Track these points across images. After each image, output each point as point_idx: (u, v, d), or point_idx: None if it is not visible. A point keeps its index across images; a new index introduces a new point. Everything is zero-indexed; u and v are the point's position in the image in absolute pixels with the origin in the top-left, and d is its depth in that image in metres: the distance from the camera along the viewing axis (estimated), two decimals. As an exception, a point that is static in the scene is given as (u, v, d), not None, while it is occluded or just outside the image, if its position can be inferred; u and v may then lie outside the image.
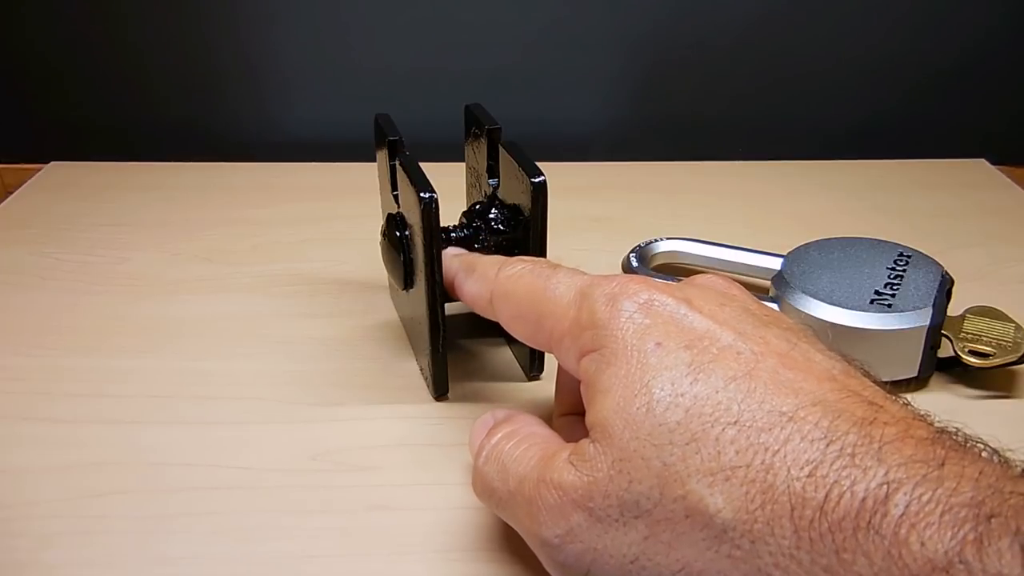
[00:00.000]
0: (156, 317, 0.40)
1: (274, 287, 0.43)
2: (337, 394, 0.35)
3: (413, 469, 0.31)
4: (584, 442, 0.22)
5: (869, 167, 0.57)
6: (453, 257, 0.31)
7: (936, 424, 0.20)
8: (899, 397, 0.21)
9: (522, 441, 0.24)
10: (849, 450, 0.18)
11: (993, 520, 0.16)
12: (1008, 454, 0.19)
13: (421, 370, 0.36)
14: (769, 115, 0.61)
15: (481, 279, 0.29)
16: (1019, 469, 0.18)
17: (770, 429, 0.19)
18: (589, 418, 0.22)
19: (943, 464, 0.18)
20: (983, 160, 0.57)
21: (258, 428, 0.33)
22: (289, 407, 0.34)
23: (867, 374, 0.22)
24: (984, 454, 0.18)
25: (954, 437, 0.19)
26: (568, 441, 0.24)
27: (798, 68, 0.59)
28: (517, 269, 0.27)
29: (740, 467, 0.19)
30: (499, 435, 0.25)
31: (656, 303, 0.23)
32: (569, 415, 0.28)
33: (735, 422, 0.20)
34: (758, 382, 0.20)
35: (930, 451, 0.18)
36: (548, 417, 0.28)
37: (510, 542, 0.28)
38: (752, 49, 0.58)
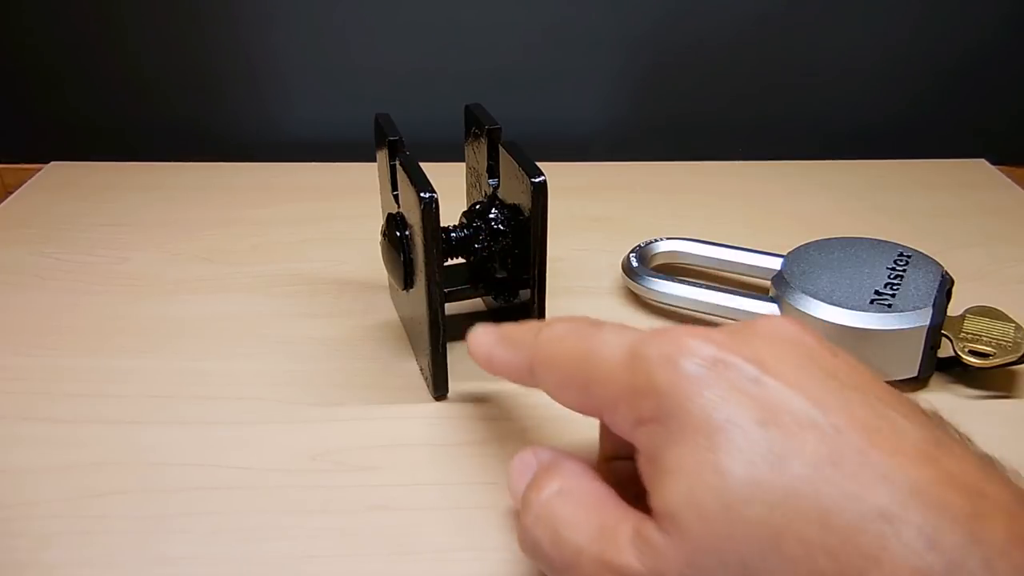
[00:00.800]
0: (156, 317, 0.40)
1: (274, 287, 0.43)
2: (337, 394, 0.35)
3: (413, 469, 0.31)
4: (650, 527, 0.20)
5: (869, 167, 0.57)
6: (483, 333, 0.27)
7: None
8: (993, 465, 0.19)
9: (579, 504, 0.22)
10: (958, 558, 0.16)
11: None
12: None
13: (421, 370, 0.36)
14: (769, 115, 0.61)
15: (519, 347, 0.26)
16: None
17: (865, 531, 0.17)
18: (655, 502, 0.20)
19: None
20: (983, 160, 0.57)
21: (258, 428, 0.33)
22: (289, 407, 0.34)
23: (957, 438, 0.20)
24: None
25: None
26: (618, 488, 0.22)
27: (798, 68, 0.59)
28: (558, 331, 0.24)
29: (832, 574, 0.17)
30: (548, 491, 0.23)
31: (724, 366, 0.20)
32: (616, 459, 0.25)
33: (823, 521, 0.17)
34: (846, 469, 0.18)
35: None
36: (588, 452, 0.27)
37: (510, 542, 0.28)
38: (752, 49, 0.58)
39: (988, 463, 0.19)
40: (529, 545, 0.23)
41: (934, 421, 0.20)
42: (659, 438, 0.20)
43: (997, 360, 0.33)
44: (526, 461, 0.25)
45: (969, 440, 0.20)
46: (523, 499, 0.23)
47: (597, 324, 0.24)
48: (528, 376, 0.25)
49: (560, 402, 0.24)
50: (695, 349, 0.20)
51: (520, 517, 0.23)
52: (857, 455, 0.18)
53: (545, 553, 0.22)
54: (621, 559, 0.20)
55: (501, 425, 0.33)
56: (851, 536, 0.17)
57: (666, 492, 0.19)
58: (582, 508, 0.22)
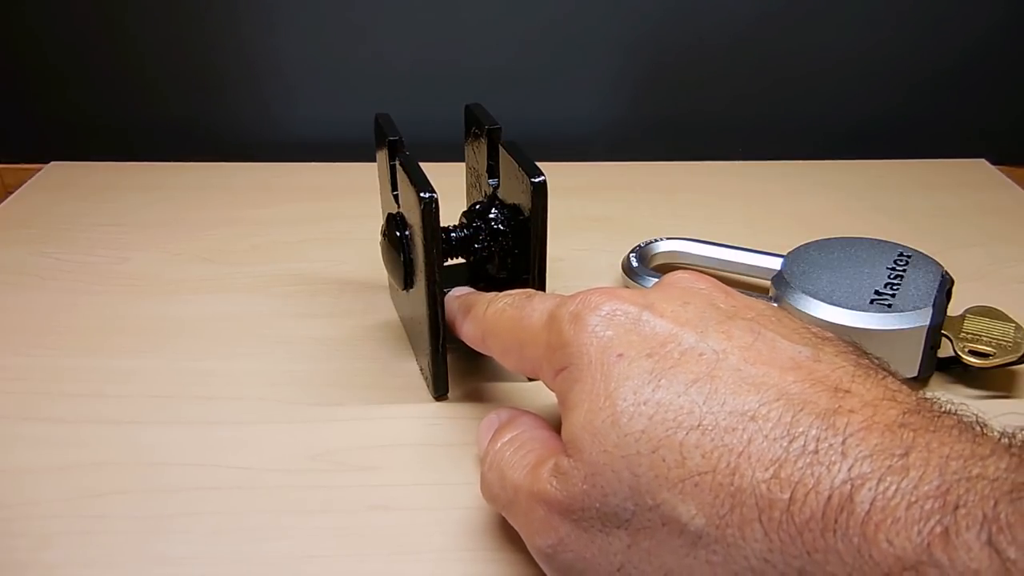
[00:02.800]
0: (156, 317, 0.40)
1: (274, 287, 0.43)
2: (337, 394, 0.35)
3: (413, 469, 0.31)
4: (562, 457, 0.22)
5: (869, 167, 0.57)
6: (455, 299, 0.32)
7: (909, 400, 0.19)
8: (875, 371, 0.21)
9: (521, 447, 0.25)
10: (812, 446, 0.18)
11: (960, 510, 0.16)
12: (984, 423, 0.18)
13: (421, 370, 0.36)
14: (769, 115, 0.61)
15: (474, 320, 0.30)
16: (989, 446, 0.17)
17: (733, 430, 0.19)
18: (563, 435, 0.23)
19: (908, 451, 0.17)
20: (983, 160, 0.57)
21: (258, 428, 0.33)
22: (289, 407, 0.34)
23: (843, 350, 0.22)
24: (955, 431, 0.18)
25: (926, 414, 0.19)
26: None
27: (798, 68, 0.59)
28: (500, 304, 0.28)
29: (707, 472, 0.19)
30: (502, 440, 0.25)
31: (618, 313, 0.23)
32: None
33: (698, 426, 0.20)
34: (720, 382, 0.20)
35: (896, 437, 0.18)
36: (554, 416, 0.28)
37: (510, 542, 0.28)
38: (752, 49, 0.58)
39: (866, 365, 0.21)
40: (485, 489, 0.26)
41: (819, 337, 0.22)
42: (567, 383, 0.23)
43: (997, 360, 0.33)
44: (490, 421, 0.28)
45: (892, 372, 0.21)
46: (484, 452, 0.26)
47: (531, 295, 0.27)
48: (483, 345, 0.30)
49: (507, 367, 0.29)
50: (596, 304, 0.23)
51: (480, 469, 0.26)
52: (732, 371, 0.21)
53: (495, 494, 0.25)
54: (542, 487, 0.22)
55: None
56: (720, 436, 0.19)
57: (568, 424, 0.22)
58: (523, 451, 0.24)
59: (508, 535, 0.28)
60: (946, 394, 0.34)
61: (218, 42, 0.58)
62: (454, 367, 0.34)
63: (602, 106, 0.60)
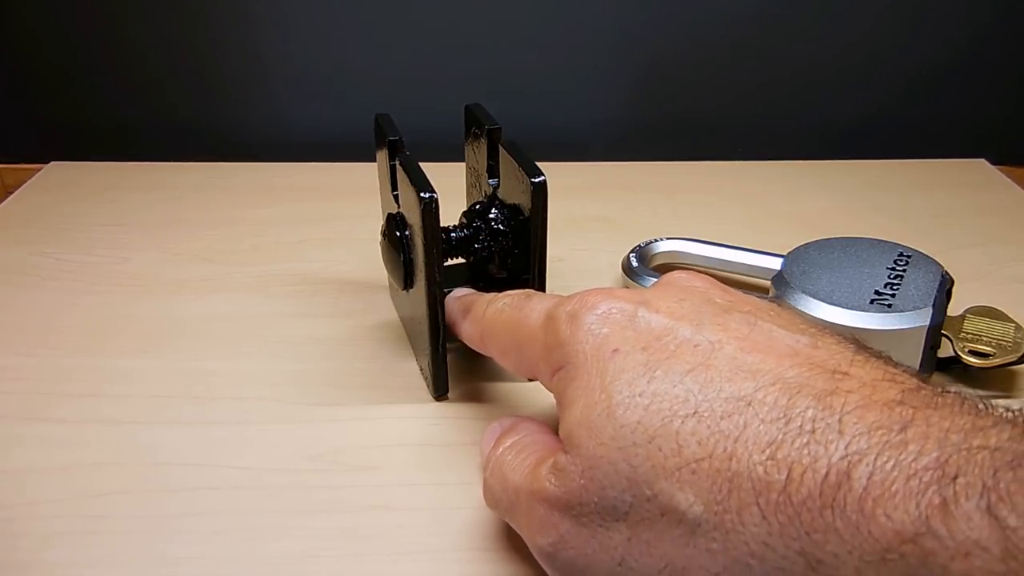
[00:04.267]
0: (156, 317, 0.40)
1: (274, 287, 0.43)
2: (337, 394, 0.35)
3: (413, 469, 0.31)
4: (559, 454, 0.22)
5: (868, 167, 0.57)
6: (455, 300, 0.32)
7: (909, 380, 0.19)
8: (873, 357, 0.21)
9: (522, 450, 0.25)
10: (809, 426, 0.18)
11: (959, 480, 0.16)
12: (988, 402, 0.18)
13: (421, 370, 0.36)
14: (769, 115, 0.61)
15: (473, 320, 0.30)
16: (991, 418, 0.17)
17: (729, 416, 0.19)
18: (560, 431, 0.23)
19: (907, 426, 0.17)
20: (983, 160, 0.57)
21: (258, 428, 0.33)
22: (289, 407, 0.34)
23: (842, 340, 0.22)
24: (956, 407, 0.18)
25: (926, 392, 0.18)
26: None
27: (797, 68, 0.59)
28: (499, 305, 0.28)
29: (703, 459, 0.19)
30: (503, 446, 0.25)
31: (614, 311, 0.23)
32: None
33: (693, 413, 0.20)
34: (715, 371, 0.20)
35: (895, 414, 0.18)
36: (554, 419, 0.28)
37: (510, 542, 0.28)
38: (751, 49, 0.58)
39: (865, 351, 0.21)
40: (487, 495, 0.26)
41: (817, 328, 0.22)
42: (564, 381, 0.23)
43: (997, 360, 0.33)
44: (493, 429, 0.27)
45: (888, 359, 0.21)
46: (486, 458, 0.26)
47: (529, 295, 0.27)
48: (482, 346, 0.30)
49: (506, 368, 0.29)
50: (593, 303, 0.23)
51: (483, 475, 0.26)
52: (727, 360, 0.21)
53: (498, 499, 0.25)
54: (541, 486, 0.22)
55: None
56: (716, 422, 0.19)
57: (565, 421, 0.22)
58: (523, 454, 0.24)
59: (507, 535, 0.28)
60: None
61: (218, 42, 0.58)
62: (454, 367, 0.34)
63: (602, 106, 0.60)
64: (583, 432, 0.21)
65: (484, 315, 0.29)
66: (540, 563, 0.23)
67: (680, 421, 0.20)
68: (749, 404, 0.19)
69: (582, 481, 0.21)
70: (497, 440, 0.26)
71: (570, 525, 0.21)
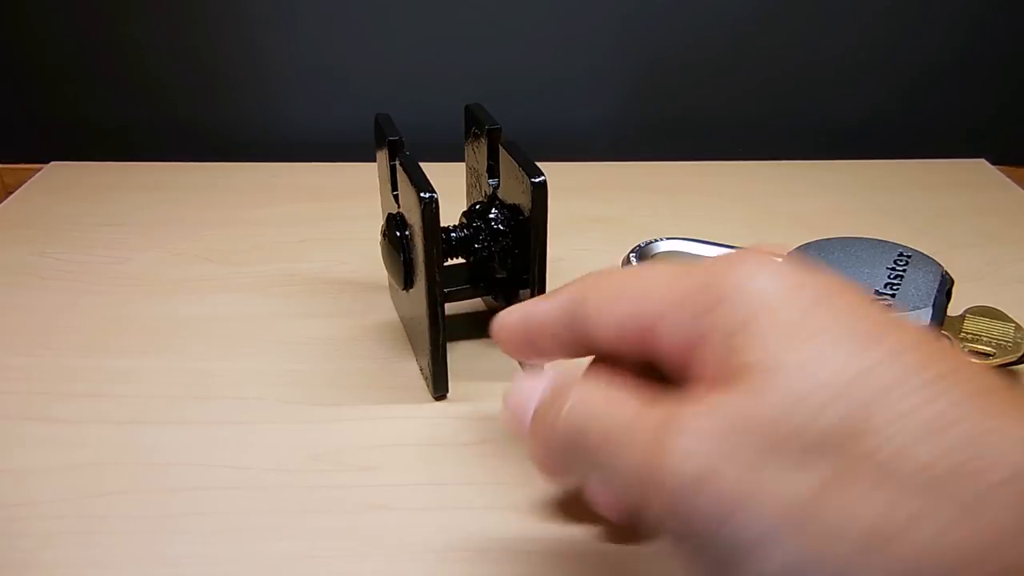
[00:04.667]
0: (156, 317, 0.40)
1: (274, 287, 0.43)
2: (337, 394, 0.35)
3: (413, 469, 0.31)
4: (719, 391, 0.19)
5: (868, 167, 0.57)
6: (508, 310, 0.26)
7: None
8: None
9: (606, 400, 0.21)
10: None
11: None
12: None
13: (421, 370, 0.36)
14: (769, 115, 0.61)
15: (557, 294, 0.25)
16: None
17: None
18: (729, 367, 0.19)
19: None
20: (983, 160, 0.57)
21: (258, 428, 0.33)
22: (289, 407, 0.34)
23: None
24: None
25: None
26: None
27: (797, 68, 0.59)
28: (603, 271, 0.25)
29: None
30: (576, 396, 0.22)
31: (790, 274, 0.20)
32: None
33: (888, 390, 0.17)
34: (919, 356, 0.18)
35: None
36: None
37: (510, 542, 0.28)
38: (751, 49, 0.58)
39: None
40: (562, 437, 0.22)
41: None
42: (728, 317, 0.20)
43: (997, 360, 0.33)
44: (532, 386, 0.24)
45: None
46: (541, 414, 0.22)
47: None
48: (568, 318, 0.24)
49: (604, 324, 0.23)
50: (757, 259, 0.21)
51: (540, 422, 0.22)
52: (937, 352, 0.18)
53: (583, 440, 0.21)
54: (690, 420, 0.19)
55: (501, 425, 0.33)
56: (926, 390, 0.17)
57: (744, 354, 0.19)
58: (610, 403, 0.21)
59: (507, 535, 0.28)
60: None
61: (218, 42, 0.58)
62: (454, 367, 0.34)
63: (602, 106, 0.60)
64: (772, 367, 0.19)
65: (586, 277, 0.25)
66: (658, 502, 0.20)
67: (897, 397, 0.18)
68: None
69: (771, 412, 0.19)
70: (557, 393, 0.23)
71: (733, 454, 0.19)
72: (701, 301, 0.21)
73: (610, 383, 0.22)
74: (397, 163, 0.33)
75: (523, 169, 0.32)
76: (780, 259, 0.21)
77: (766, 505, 0.17)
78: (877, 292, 0.35)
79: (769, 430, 0.18)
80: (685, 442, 0.18)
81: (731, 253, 0.22)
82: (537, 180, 0.31)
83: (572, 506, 0.29)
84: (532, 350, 0.26)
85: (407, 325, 0.38)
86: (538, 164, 0.32)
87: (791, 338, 0.19)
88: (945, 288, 0.35)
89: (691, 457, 0.18)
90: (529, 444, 0.23)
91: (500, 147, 0.34)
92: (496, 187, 0.35)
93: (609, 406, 0.21)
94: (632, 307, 0.22)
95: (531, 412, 0.23)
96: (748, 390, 0.18)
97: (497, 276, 0.36)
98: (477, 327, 0.39)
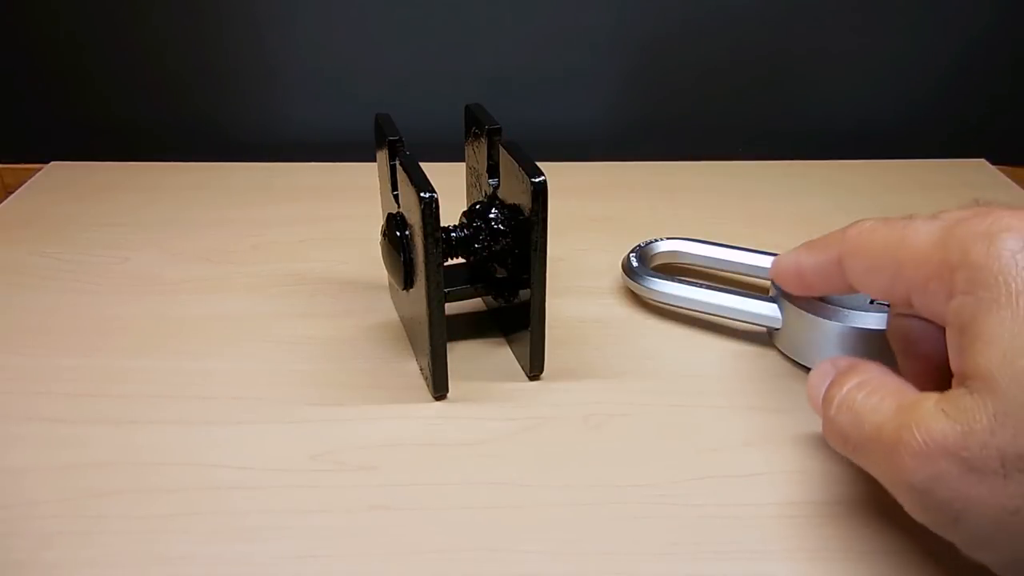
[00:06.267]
0: (156, 317, 0.40)
1: (274, 287, 0.43)
2: (337, 394, 0.35)
3: (413, 469, 0.31)
4: (958, 391, 0.21)
5: (869, 167, 0.57)
6: (784, 255, 0.30)
7: None
8: None
9: (875, 390, 0.24)
10: None
11: None
12: None
13: (421, 370, 0.36)
14: (769, 115, 0.61)
15: (826, 246, 0.28)
16: None
17: None
18: (966, 365, 0.21)
19: None
20: (983, 160, 0.57)
21: (258, 428, 0.33)
22: (289, 407, 0.34)
23: None
24: None
25: None
26: (907, 345, 0.26)
27: (798, 68, 0.59)
28: (868, 224, 0.27)
29: None
30: (850, 384, 0.25)
31: None
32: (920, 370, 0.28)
33: None
34: None
35: None
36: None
37: (510, 542, 0.28)
38: (752, 49, 0.58)
39: None
40: (832, 432, 0.25)
41: None
42: (971, 308, 0.21)
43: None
44: (824, 369, 0.27)
45: None
46: (825, 396, 0.26)
47: (906, 217, 0.25)
48: (836, 273, 0.28)
49: (866, 290, 0.27)
50: (1013, 226, 0.21)
51: (823, 413, 0.26)
52: None
53: (847, 435, 0.24)
54: (926, 423, 0.21)
55: (501, 425, 0.33)
56: None
57: (979, 356, 0.21)
58: (879, 395, 0.24)
59: (507, 536, 0.28)
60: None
61: (218, 42, 0.58)
62: (454, 367, 0.34)
63: (602, 106, 0.60)
64: (1005, 377, 0.20)
65: (846, 235, 0.27)
66: (901, 501, 0.22)
67: None
68: None
69: (992, 424, 0.20)
70: (837, 379, 0.26)
71: (955, 466, 0.20)
72: (947, 282, 0.22)
73: (872, 384, 0.24)
74: (397, 163, 0.33)
75: (523, 169, 0.32)
76: None
77: (984, 512, 0.20)
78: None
79: (976, 452, 0.20)
80: (917, 450, 0.21)
81: (987, 218, 0.22)
82: (537, 180, 0.31)
83: (572, 506, 0.29)
84: (805, 289, 0.30)
85: (407, 325, 0.38)
86: (538, 164, 0.32)
87: (1018, 353, 0.20)
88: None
89: (921, 468, 0.21)
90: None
91: (500, 147, 0.34)
92: (496, 187, 0.35)
93: (865, 412, 0.24)
94: (888, 282, 0.25)
95: (822, 397, 0.26)
96: (966, 411, 0.20)
97: (497, 276, 0.36)
98: (477, 327, 0.39)
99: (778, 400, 0.35)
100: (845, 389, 0.25)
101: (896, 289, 0.25)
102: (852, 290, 0.28)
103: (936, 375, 0.26)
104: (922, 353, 0.27)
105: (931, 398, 0.22)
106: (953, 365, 0.22)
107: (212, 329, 0.39)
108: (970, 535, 0.21)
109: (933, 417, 0.21)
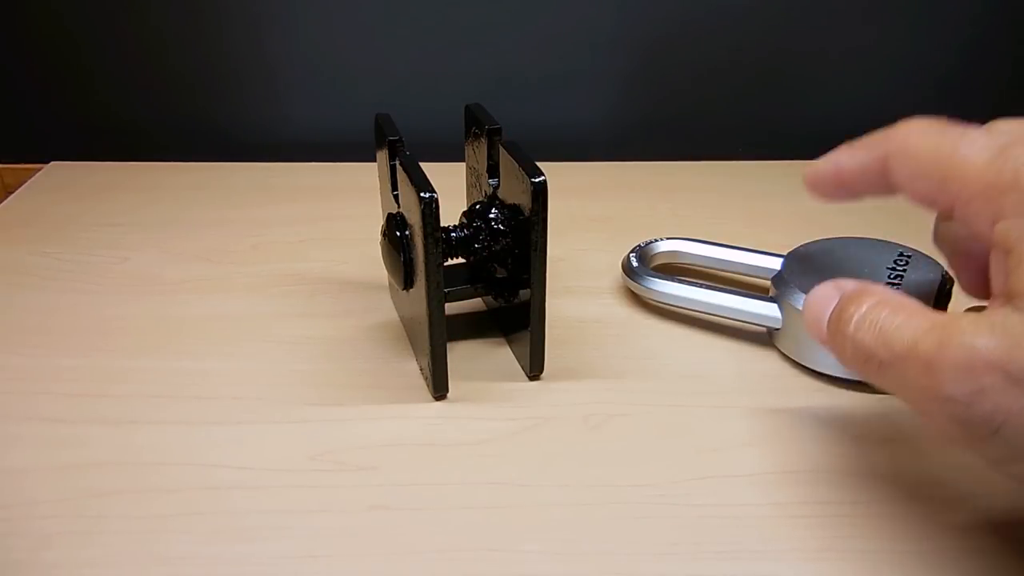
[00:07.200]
0: (156, 317, 0.40)
1: (274, 287, 0.43)
2: (337, 394, 0.35)
3: (413, 469, 0.31)
4: (1004, 309, 0.21)
5: (869, 167, 0.57)
6: (823, 159, 0.30)
7: None
8: None
9: (898, 308, 0.24)
10: None
11: None
12: None
13: (421, 370, 0.36)
14: (769, 115, 0.61)
15: (870, 146, 0.27)
16: None
17: None
18: (1010, 285, 0.22)
19: None
20: (983, 160, 0.57)
21: (258, 428, 0.33)
22: (289, 407, 0.34)
23: None
24: None
25: None
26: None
27: (799, 68, 0.59)
28: (920, 125, 0.26)
29: None
30: (870, 302, 0.24)
31: None
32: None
33: None
34: None
35: None
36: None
37: (510, 542, 0.28)
38: (752, 49, 0.58)
39: None
40: (854, 351, 0.24)
41: None
42: (1019, 232, 0.22)
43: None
44: (826, 292, 0.26)
45: None
46: (839, 317, 0.25)
47: (959, 125, 0.25)
48: (879, 173, 0.27)
49: (908, 192, 0.26)
50: None
51: (834, 334, 0.25)
52: None
53: (871, 353, 0.24)
54: (970, 338, 0.21)
55: (501, 425, 0.33)
56: None
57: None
58: (904, 312, 0.23)
59: (507, 535, 0.28)
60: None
61: (219, 42, 0.58)
62: (454, 367, 0.34)
63: (602, 106, 0.60)
64: None
65: (894, 134, 0.27)
66: (938, 414, 0.22)
67: None
68: None
69: None
70: (852, 298, 0.25)
71: (998, 379, 0.21)
72: (995, 203, 0.22)
73: (894, 303, 0.24)
74: (397, 163, 0.33)
75: (523, 169, 0.32)
76: None
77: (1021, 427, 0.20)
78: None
79: (1019, 365, 0.20)
80: (961, 364, 0.21)
81: None
82: (537, 180, 0.31)
83: (572, 506, 0.29)
84: (843, 193, 0.29)
85: (407, 325, 0.38)
86: (538, 164, 0.32)
87: None
88: (945, 288, 0.35)
89: (965, 381, 0.21)
90: (828, 349, 0.26)
91: (500, 147, 0.34)
92: (496, 187, 0.35)
93: (892, 330, 0.23)
94: (933, 191, 0.25)
95: (826, 320, 0.25)
96: (1013, 327, 0.21)
97: (497, 276, 0.36)
98: (477, 327, 0.39)
99: (778, 400, 0.35)
100: (865, 307, 0.24)
101: (940, 199, 0.25)
102: (891, 193, 0.27)
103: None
104: (973, 255, 0.27)
105: (966, 316, 0.22)
106: (995, 283, 0.22)
107: (212, 329, 0.39)
108: (1007, 448, 0.21)
109: (977, 332, 0.21)
